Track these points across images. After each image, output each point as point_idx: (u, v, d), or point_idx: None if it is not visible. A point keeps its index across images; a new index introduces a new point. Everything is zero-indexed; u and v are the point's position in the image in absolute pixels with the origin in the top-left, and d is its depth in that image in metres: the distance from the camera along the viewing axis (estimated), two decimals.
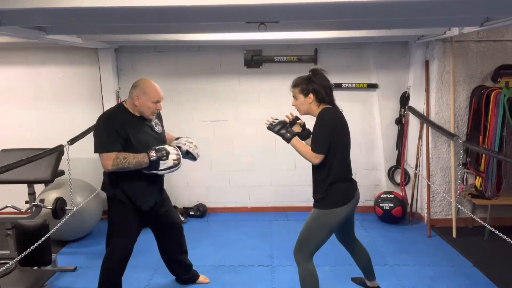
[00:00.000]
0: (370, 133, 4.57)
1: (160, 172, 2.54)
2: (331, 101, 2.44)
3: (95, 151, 2.49)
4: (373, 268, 2.88)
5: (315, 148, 2.35)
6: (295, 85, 2.46)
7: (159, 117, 2.76)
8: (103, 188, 2.67)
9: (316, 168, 2.43)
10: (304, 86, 2.40)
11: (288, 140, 2.46)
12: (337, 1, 2.08)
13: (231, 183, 4.69)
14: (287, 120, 2.62)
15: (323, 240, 2.48)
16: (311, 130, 2.47)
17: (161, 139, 2.71)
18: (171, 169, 2.55)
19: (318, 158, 2.34)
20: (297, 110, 2.51)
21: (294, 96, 2.48)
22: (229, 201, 4.73)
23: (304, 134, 2.61)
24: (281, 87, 4.44)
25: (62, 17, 2.53)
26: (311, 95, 2.40)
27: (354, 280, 3.08)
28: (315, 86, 2.38)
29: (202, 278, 3.15)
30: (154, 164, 2.48)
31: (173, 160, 2.52)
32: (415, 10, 2.44)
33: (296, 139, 2.45)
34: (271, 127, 2.53)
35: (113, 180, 2.58)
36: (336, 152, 2.36)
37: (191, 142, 2.82)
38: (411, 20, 3.10)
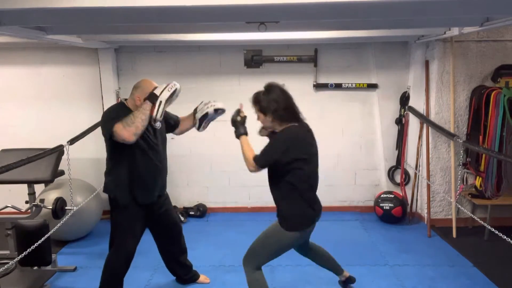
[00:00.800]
0: (370, 133, 4.56)
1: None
2: (294, 117, 2.29)
3: (108, 134, 2.40)
4: (337, 262, 2.86)
5: (258, 159, 2.25)
6: (253, 102, 2.33)
7: None
8: (105, 190, 2.65)
9: (274, 184, 2.35)
10: (262, 104, 2.27)
11: (237, 136, 2.41)
12: (337, 1, 2.08)
13: (231, 183, 4.69)
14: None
15: (275, 256, 2.45)
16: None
17: (163, 137, 2.72)
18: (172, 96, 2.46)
19: (255, 168, 2.27)
20: (264, 126, 2.42)
21: (256, 113, 2.36)
22: (229, 201, 4.73)
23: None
24: None
25: (62, 17, 2.52)
26: (270, 115, 2.26)
27: (340, 283, 3.03)
28: (272, 105, 2.23)
29: (202, 278, 3.15)
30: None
31: (176, 86, 2.46)
32: (415, 10, 2.44)
33: (244, 138, 2.38)
34: (231, 117, 2.50)
35: (114, 179, 2.58)
36: (296, 171, 2.24)
37: (208, 102, 2.77)
38: (411, 20, 3.10)
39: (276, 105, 2.24)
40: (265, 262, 2.48)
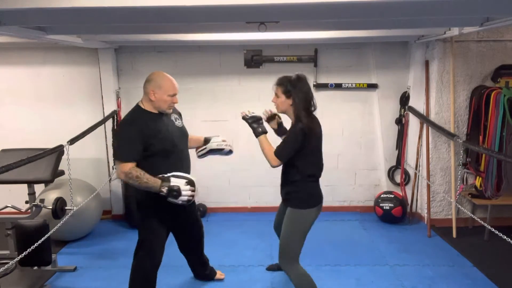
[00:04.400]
0: (370, 133, 4.56)
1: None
2: (308, 109, 2.47)
3: (113, 157, 2.48)
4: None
5: (279, 154, 2.42)
6: (279, 84, 2.50)
7: (177, 113, 2.74)
8: (136, 194, 2.58)
9: (285, 168, 2.54)
10: (288, 87, 2.44)
11: (257, 135, 2.54)
12: (337, 1, 2.08)
13: (231, 183, 4.69)
14: (264, 115, 2.73)
15: (302, 241, 2.53)
16: (287, 129, 2.57)
17: (184, 133, 2.70)
18: (184, 203, 2.42)
19: (277, 162, 2.43)
20: (275, 107, 2.57)
21: (276, 94, 2.52)
22: (229, 201, 4.72)
23: (280, 130, 2.73)
24: None
25: (62, 17, 2.52)
26: (292, 98, 2.43)
27: (271, 267, 3.21)
28: (298, 91, 2.42)
29: (218, 274, 3.21)
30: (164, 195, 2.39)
31: (183, 201, 2.38)
32: (415, 10, 2.44)
33: (264, 137, 2.53)
34: (245, 118, 2.63)
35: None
36: (307, 156, 2.43)
37: (221, 141, 2.88)
38: (411, 20, 3.10)
39: (301, 92, 2.42)
40: (298, 252, 2.54)
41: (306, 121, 2.39)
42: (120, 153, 2.42)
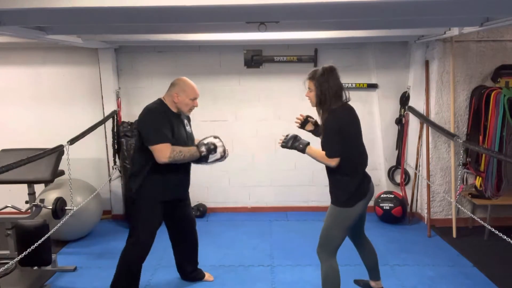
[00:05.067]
0: (370, 133, 4.56)
1: (208, 164, 2.73)
2: (339, 100, 2.45)
3: (148, 144, 2.54)
4: (379, 269, 2.88)
5: (328, 153, 2.39)
6: (311, 77, 2.48)
7: (187, 117, 2.88)
8: (131, 184, 2.72)
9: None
10: (320, 81, 2.43)
11: (303, 151, 2.51)
12: (337, 1, 2.08)
13: (231, 183, 4.69)
14: (297, 123, 2.74)
15: (343, 236, 2.53)
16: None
17: (192, 139, 2.86)
18: (219, 160, 2.72)
19: (334, 161, 2.38)
20: (310, 101, 2.54)
21: (308, 88, 2.50)
22: (229, 201, 4.72)
23: (317, 130, 2.69)
24: (281, 87, 4.45)
25: (62, 17, 2.52)
26: (323, 91, 2.41)
27: (357, 282, 3.05)
28: (329, 84, 2.40)
29: (207, 276, 3.19)
30: (204, 158, 2.66)
31: (221, 152, 2.68)
32: (415, 10, 2.44)
33: (309, 148, 2.50)
34: (284, 145, 2.58)
35: (140, 174, 2.66)
36: (346, 148, 2.39)
37: (211, 143, 2.80)
38: (411, 20, 3.10)
39: (332, 84, 2.40)
40: (337, 246, 2.55)
41: (334, 108, 2.38)
42: (159, 137, 2.54)
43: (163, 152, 2.52)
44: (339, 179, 2.45)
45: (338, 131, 2.36)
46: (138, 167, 2.69)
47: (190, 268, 3.12)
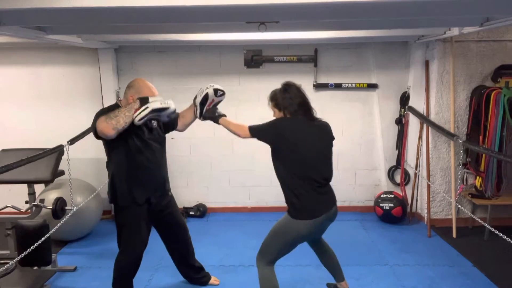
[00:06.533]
0: (370, 133, 4.57)
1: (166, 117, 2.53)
2: (305, 114, 2.40)
3: (93, 128, 2.44)
4: (341, 269, 2.82)
5: (253, 128, 2.44)
6: (270, 99, 2.49)
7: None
8: (108, 192, 2.67)
9: (277, 175, 2.47)
10: (278, 101, 2.42)
11: (218, 120, 2.64)
12: (337, 1, 2.08)
13: (231, 183, 4.69)
14: None
15: (285, 250, 2.48)
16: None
17: (158, 132, 2.69)
18: (165, 112, 2.44)
19: (246, 134, 2.46)
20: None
21: (271, 109, 2.51)
22: (229, 201, 4.72)
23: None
24: None
25: (62, 17, 2.53)
26: (283, 111, 2.41)
27: (329, 286, 2.97)
28: (287, 102, 2.38)
29: (213, 279, 3.16)
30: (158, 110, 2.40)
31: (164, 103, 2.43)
32: (415, 10, 2.44)
33: (225, 119, 2.63)
34: (205, 116, 2.69)
35: (113, 180, 2.59)
36: (286, 163, 2.36)
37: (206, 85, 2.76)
38: (411, 20, 3.10)
39: (290, 102, 2.38)
40: (276, 258, 2.49)
41: (287, 120, 2.37)
42: (96, 118, 2.45)
43: (102, 124, 2.36)
44: (289, 189, 2.37)
45: (274, 127, 2.37)
46: (110, 173, 2.62)
47: (191, 272, 3.09)
